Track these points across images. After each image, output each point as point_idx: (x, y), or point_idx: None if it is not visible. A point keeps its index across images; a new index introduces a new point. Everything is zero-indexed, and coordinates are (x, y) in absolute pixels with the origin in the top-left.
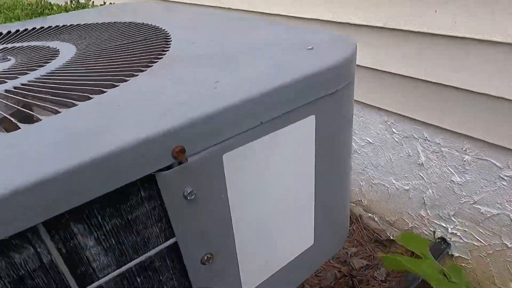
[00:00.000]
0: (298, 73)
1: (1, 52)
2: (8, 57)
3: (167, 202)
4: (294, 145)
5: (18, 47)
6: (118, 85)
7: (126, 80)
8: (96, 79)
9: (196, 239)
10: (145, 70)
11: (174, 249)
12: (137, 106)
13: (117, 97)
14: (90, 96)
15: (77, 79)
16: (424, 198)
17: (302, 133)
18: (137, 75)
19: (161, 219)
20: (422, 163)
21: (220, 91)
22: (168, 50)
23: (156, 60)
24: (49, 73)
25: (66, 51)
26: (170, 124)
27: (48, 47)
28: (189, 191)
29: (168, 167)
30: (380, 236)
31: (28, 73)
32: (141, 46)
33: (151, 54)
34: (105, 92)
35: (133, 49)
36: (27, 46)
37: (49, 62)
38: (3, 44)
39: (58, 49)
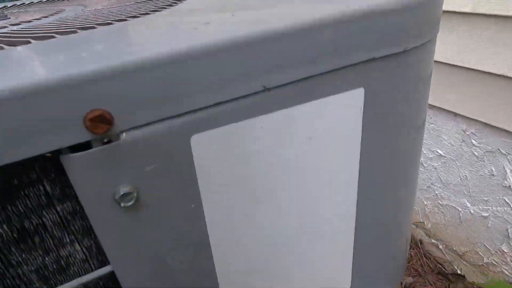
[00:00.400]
0: (336, 12)
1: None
2: (8, 16)
3: (87, 207)
4: (325, 133)
5: (23, 10)
6: (77, 32)
7: (94, 28)
8: (65, 29)
9: (145, 270)
10: (128, 20)
11: (113, 281)
12: (71, 50)
13: (60, 42)
14: (31, 41)
15: (46, 31)
16: (509, 230)
17: (340, 115)
18: (112, 23)
19: (89, 233)
20: (509, 186)
21: (201, 31)
22: (174, 5)
23: (150, 13)
24: (30, 25)
25: (71, 10)
26: (78, 71)
27: (53, 8)
28: (123, 193)
29: (84, 147)
30: (444, 268)
31: (7, 27)
32: (149, 5)
33: (151, 10)
34: (54, 37)
35: (138, 7)
36: (33, 9)
37: (40, 20)
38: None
39: (64, 9)
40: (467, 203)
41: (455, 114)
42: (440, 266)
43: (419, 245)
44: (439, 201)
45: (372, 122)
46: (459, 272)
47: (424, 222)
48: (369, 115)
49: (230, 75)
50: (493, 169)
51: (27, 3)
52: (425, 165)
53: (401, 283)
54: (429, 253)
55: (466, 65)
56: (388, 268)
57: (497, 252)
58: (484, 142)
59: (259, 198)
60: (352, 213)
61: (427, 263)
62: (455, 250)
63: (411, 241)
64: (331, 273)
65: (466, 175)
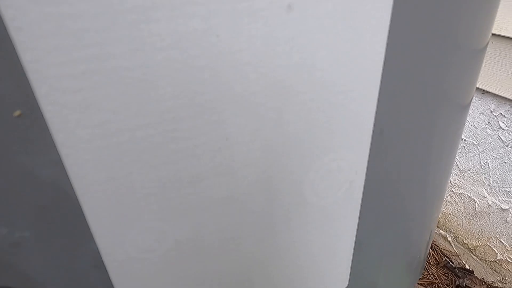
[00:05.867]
0: None
1: None
2: None
3: None
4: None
5: None
6: None
7: None
8: None
9: None
10: None
11: None
12: None
13: None
14: None
15: None
16: None
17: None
18: None
19: None
20: None
21: None
22: None
23: None
24: None
25: None
26: None
27: None
28: None
29: None
30: (451, 262)
31: None
32: None
33: None
34: None
35: None
36: None
37: None
38: None
39: None
40: (485, 193)
41: (483, 92)
42: (447, 259)
43: None
44: (453, 190)
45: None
46: (467, 267)
47: None
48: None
49: None
50: None
51: None
52: None
53: None
54: (436, 245)
55: (504, 33)
56: (400, 262)
57: None
58: None
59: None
60: (358, 186)
61: (433, 255)
62: (465, 243)
63: None
64: (320, 263)
65: (487, 162)
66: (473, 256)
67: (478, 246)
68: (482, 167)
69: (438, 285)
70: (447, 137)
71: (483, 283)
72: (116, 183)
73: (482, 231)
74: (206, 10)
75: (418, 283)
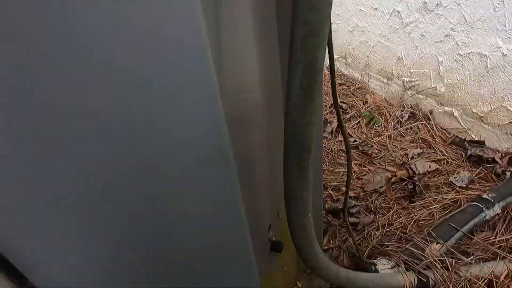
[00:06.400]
0: None
1: None
2: None
3: None
4: None
5: None
6: None
7: None
8: None
9: None
10: None
11: None
12: None
13: None
14: None
15: None
16: None
17: None
18: None
19: None
20: None
21: None
22: None
23: None
24: None
25: None
26: None
27: None
28: None
29: None
30: (459, 137)
31: None
32: None
33: None
34: None
35: None
36: None
37: None
38: None
39: None
40: (499, 42)
41: None
42: (454, 135)
43: (429, 116)
44: (459, 52)
45: None
46: (476, 139)
47: (436, 87)
48: None
49: None
50: None
51: None
52: (444, 5)
53: (407, 155)
54: (440, 127)
55: None
56: None
57: None
58: None
59: None
60: None
61: (438, 135)
62: (475, 113)
63: (419, 114)
64: None
65: (503, 1)
66: (484, 125)
67: (490, 111)
68: (496, 9)
69: (447, 160)
70: None
71: (497, 151)
72: None
73: (495, 92)
74: None
75: (426, 161)
